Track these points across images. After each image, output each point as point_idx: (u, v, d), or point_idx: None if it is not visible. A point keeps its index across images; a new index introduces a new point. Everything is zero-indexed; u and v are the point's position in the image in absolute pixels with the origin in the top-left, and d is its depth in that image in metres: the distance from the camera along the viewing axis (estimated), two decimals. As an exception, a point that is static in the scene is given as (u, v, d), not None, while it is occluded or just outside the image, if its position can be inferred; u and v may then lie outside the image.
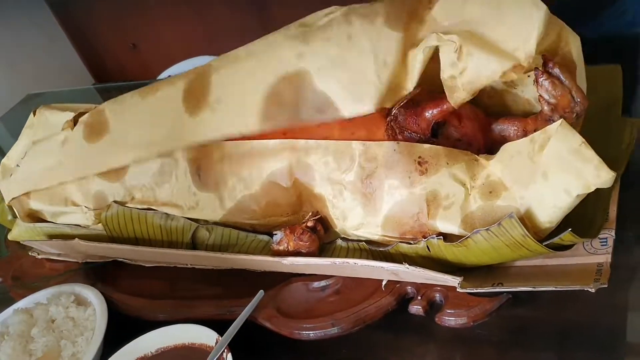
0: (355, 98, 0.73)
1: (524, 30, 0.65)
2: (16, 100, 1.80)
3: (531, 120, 0.71)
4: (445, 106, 0.70)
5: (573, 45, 0.70)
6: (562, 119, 0.60)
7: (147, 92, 0.88)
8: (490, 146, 0.73)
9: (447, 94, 0.69)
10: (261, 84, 0.77)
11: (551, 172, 0.61)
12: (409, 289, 0.73)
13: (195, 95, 0.82)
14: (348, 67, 0.73)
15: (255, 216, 0.81)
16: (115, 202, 0.89)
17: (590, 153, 0.58)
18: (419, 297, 0.72)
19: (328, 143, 0.74)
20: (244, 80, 0.79)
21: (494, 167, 0.67)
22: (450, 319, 0.69)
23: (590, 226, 0.67)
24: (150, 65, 2.40)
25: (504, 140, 0.73)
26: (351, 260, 0.71)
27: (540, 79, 0.66)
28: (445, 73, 0.69)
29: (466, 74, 0.67)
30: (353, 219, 0.75)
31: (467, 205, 0.68)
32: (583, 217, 0.66)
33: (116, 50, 2.49)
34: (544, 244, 0.63)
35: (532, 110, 0.76)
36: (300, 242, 0.76)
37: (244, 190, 0.80)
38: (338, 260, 0.72)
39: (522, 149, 0.65)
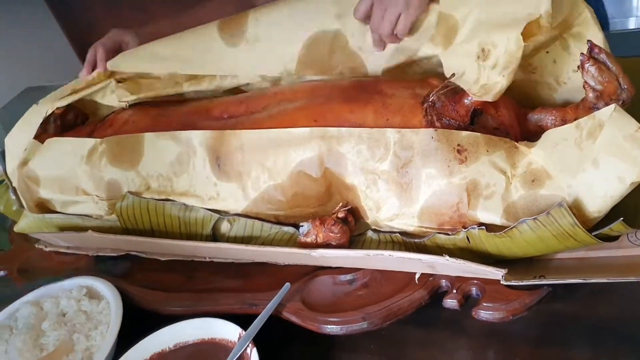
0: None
1: None
2: (15, 93, 1.77)
3: (571, 109, 0.69)
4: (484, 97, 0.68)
5: (587, 16, 0.70)
6: (615, 104, 0.58)
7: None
8: (526, 136, 0.71)
9: (485, 97, 0.68)
10: (301, 32, 0.84)
11: (603, 159, 0.59)
12: (443, 282, 0.71)
13: (231, 27, 0.89)
14: None
15: (281, 207, 0.79)
16: (130, 192, 0.86)
17: None
18: (455, 291, 0.69)
19: (361, 131, 0.72)
20: (284, 26, 0.85)
21: (535, 154, 0.65)
22: (488, 313, 0.66)
23: (635, 217, 0.65)
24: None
25: (540, 130, 0.71)
26: (386, 252, 0.68)
27: (587, 65, 0.64)
28: (473, 89, 0.69)
29: (499, 65, 0.66)
30: (387, 209, 0.72)
31: (508, 194, 0.65)
32: (626, 207, 0.64)
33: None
34: (593, 234, 0.60)
35: (552, 94, 0.76)
36: (331, 234, 0.73)
37: (269, 181, 0.77)
38: (372, 252, 0.69)
39: (568, 135, 0.63)
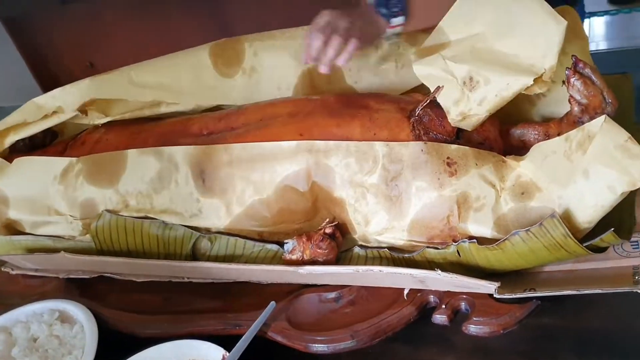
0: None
1: (542, 43, 0.65)
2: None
3: (554, 124, 0.70)
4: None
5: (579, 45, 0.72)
6: (605, 115, 0.59)
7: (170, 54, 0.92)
8: (509, 151, 0.72)
9: (462, 125, 0.69)
10: (299, 64, 0.86)
11: (593, 169, 0.60)
12: (432, 297, 0.70)
13: (224, 57, 0.89)
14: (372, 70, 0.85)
15: (265, 223, 0.77)
16: (107, 210, 0.83)
17: (637, 149, 0.57)
18: (444, 306, 0.69)
19: (349, 144, 0.71)
20: (282, 57, 0.87)
21: (524, 167, 0.66)
22: (478, 327, 0.66)
23: (620, 228, 0.65)
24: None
25: (523, 145, 0.71)
26: (376, 268, 0.68)
27: (572, 79, 0.65)
28: (452, 113, 0.70)
29: (487, 104, 0.68)
30: (377, 223, 0.71)
31: (498, 207, 0.65)
32: (611, 219, 0.65)
33: (73, 69, 2.41)
34: (584, 245, 0.61)
35: (531, 108, 0.77)
36: (319, 250, 0.72)
37: (255, 195, 0.76)
38: (362, 268, 0.68)
39: (557, 148, 0.63)
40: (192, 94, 0.89)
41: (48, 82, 2.43)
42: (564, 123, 0.68)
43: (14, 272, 0.93)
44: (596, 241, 0.61)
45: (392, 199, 0.70)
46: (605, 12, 2.96)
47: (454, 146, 0.68)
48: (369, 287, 0.74)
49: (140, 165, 0.82)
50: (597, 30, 2.48)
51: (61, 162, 0.87)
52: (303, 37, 0.83)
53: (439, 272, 0.64)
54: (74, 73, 2.44)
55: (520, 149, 0.71)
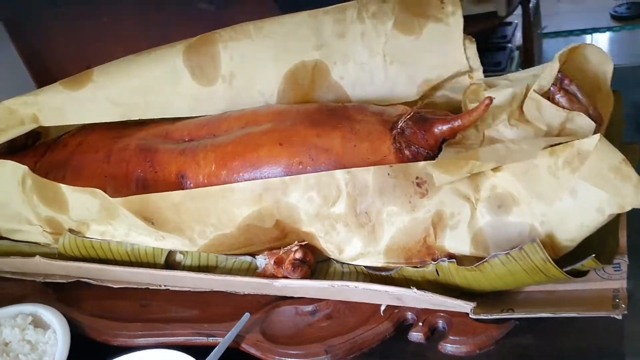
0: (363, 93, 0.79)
1: None
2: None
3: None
4: (456, 123, 0.67)
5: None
6: (599, 134, 0.57)
7: (139, 54, 0.86)
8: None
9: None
10: (280, 65, 0.81)
11: (582, 189, 0.58)
12: (409, 314, 0.68)
13: (201, 65, 0.83)
14: (359, 64, 0.79)
15: (234, 247, 0.75)
16: (70, 230, 0.82)
17: (629, 171, 0.56)
18: (420, 324, 0.67)
19: (307, 177, 0.68)
20: (260, 60, 0.82)
21: (501, 178, 0.63)
22: (454, 347, 0.64)
23: (600, 252, 0.64)
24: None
25: None
26: (351, 284, 0.66)
27: (557, 96, 0.64)
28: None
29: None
30: (351, 250, 0.69)
31: (474, 221, 0.64)
32: (591, 241, 0.63)
33: (71, 71, 2.40)
34: (564, 270, 0.59)
35: None
36: (289, 276, 0.70)
37: (216, 232, 0.73)
38: (337, 283, 0.67)
39: (539, 162, 0.61)
40: (173, 108, 0.85)
41: (46, 82, 2.43)
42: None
43: (-11, 276, 0.92)
44: (576, 266, 0.59)
45: (364, 226, 0.68)
46: (608, 29, 2.96)
47: (421, 164, 0.65)
48: (346, 302, 0.72)
49: (80, 201, 0.79)
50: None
51: (20, 168, 0.83)
52: (281, 35, 0.81)
53: (415, 290, 0.63)
54: (71, 74, 2.43)
55: None
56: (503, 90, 0.71)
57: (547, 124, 0.67)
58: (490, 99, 0.64)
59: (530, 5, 2.30)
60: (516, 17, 2.43)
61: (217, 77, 0.83)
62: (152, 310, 0.80)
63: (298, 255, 0.70)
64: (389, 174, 0.66)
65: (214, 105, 0.83)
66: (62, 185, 0.78)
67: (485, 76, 0.79)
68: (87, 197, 0.77)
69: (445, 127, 0.68)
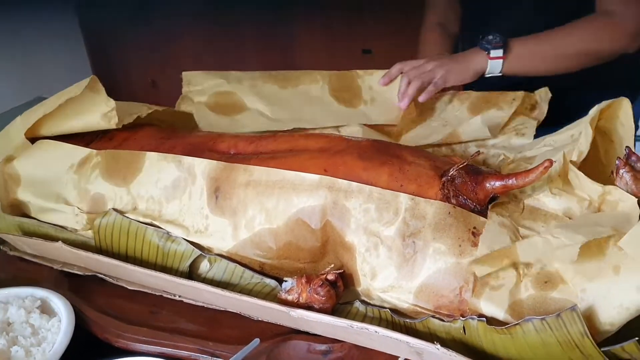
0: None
1: None
2: (22, 101, 1.73)
3: (595, 216, 0.65)
4: (510, 181, 0.64)
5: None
6: None
7: (281, 87, 1.08)
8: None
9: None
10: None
11: (625, 266, 0.54)
12: (426, 373, 0.64)
13: (344, 93, 1.07)
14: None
15: (269, 255, 0.73)
16: (114, 209, 0.81)
17: None
18: (437, 385, 0.62)
19: (372, 189, 0.67)
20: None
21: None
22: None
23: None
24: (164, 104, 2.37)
25: None
26: (372, 327, 0.62)
27: (622, 171, 0.60)
28: None
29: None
30: (384, 279, 0.66)
31: (517, 291, 0.60)
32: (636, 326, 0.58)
33: (136, 82, 2.46)
34: (602, 349, 0.54)
35: None
36: (316, 295, 0.67)
37: (265, 223, 0.72)
38: (356, 324, 0.63)
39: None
40: (319, 120, 1.02)
41: (109, 90, 2.48)
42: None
43: (11, 253, 0.91)
44: (616, 348, 0.55)
45: (406, 256, 0.65)
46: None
47: (482, 219, 0.63)
48: (361, 349, 0.68)
49: (158, 170, 0.80)
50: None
51: (81, 151, 0.86)
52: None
53: (438, 346, 0.58)
54: (135, 88, 2.49)
55: None
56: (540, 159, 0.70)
57: (589, 194, 0.65)
58: (551, 161, 0.61)
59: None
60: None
61: (360, 102, 1.06)
62: (160, 318, 0.77)
63: (330, 277, 0.68)
64: (449, 213, 0.64)
65: (364, 118, 1.03)
66: (150, 153, 0.81)
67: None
68: (171, 166, 0.79)
69: (497, 184, 0.65)
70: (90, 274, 0.83)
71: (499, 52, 1.02)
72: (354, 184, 0.68)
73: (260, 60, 2.23)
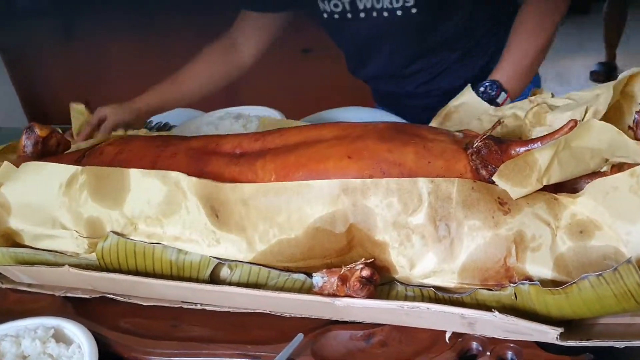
0: None
1: None
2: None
3: (612, 171, 0.67)
4: (535, 145, 0.65)
5: None
6: None
7: None
8: (551, 190, 0.68)
9: None
10: None
11: None
12: (474, 344, 0.65)
13: None
14: None
15: (293, 259, 0.71)
16: (114, 232, 0.76)
17: None
18: (488, 353, 0.64)
19: (388, 182, 0.66)
20: None
21: (582, 205, 0.63)
22: (527, 379, 0.61)
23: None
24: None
25: (568, 187, 0.68)
26: (423, 305, 0.62)
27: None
28: None
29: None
30: (424, 266, 0.66)
31: (555, 246, 0.62)
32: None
33: (67, 104, 2.36)
34: None
35: None
36: (355, 296, 0.65)
37: (280, 235, 0.70)
38: (407, 304, 0.63)
39: (619, 184, 0.61)
40: None
41: (36, 113, 2.37)
42: (625, 168, 0.65)
43: (3, 286, 0.86)
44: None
45: (442, 240, 0.65)
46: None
47: (500, 188, 0.65)
48: (401, 329, 0.68)
49: (145, 189, 0.75)
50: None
51: (67, 169, 0.80)
52: None
53: (496, 313, 0.59)
54: (67, 110, 2.39)
55: (568, 190, 0.68)
56: (562, 115, 0.71)
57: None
58: (575, 121, 0.63)
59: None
60: None
61: None
62: (184, 329, 0.75)
63: (365, 273, 0.65)
64: (472, 188, 0.64)
65: None
66: (133, 170, 0.75)
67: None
68: (156, 183, 0.74)
69: (522, 149, 0.66)
70: (97, 295, 0.80)
71: (502, 96, 1.01)
72: (368, 180, 0.66)
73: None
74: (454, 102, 0.93)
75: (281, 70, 2.08)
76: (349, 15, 1.18)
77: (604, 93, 0.70)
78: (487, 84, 1.01)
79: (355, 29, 1.20)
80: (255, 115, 1.19)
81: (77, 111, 1.18)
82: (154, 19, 2.22)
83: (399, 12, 1.13)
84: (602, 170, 0.67)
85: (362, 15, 1.17)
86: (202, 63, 1.27)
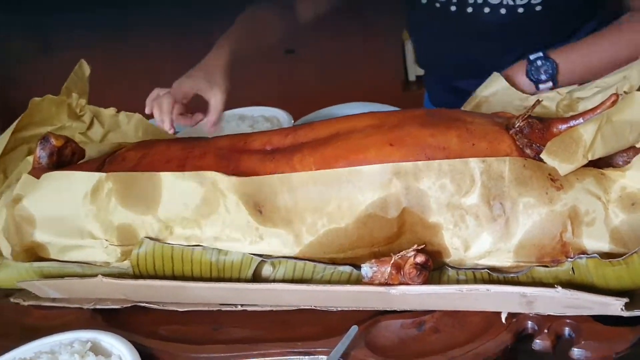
0: None
1: None
2: None
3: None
4: (576, 122, 0.66)
5: None
6: None
7: None
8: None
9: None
10: None
11: None
12: (529, 323, 0.65)
13: None
14: None
15: (341, 249, 0.70)
16: (148, 237, 0.74)
17: None
18: (546, 331, 0.64)
19: (440, 163, 0.66)
20: None
21: (630, 178, 0.64)
22: (588, 352, 0.61)
23: None
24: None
25: (607, 161, 0.68)
26: (482, 287, 0.62)
27: None
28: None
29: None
30: (479, 247, 0.66)
31: (609, 220, 0.62)
32: None
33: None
34: None
35: None
36: (411, 283, 0.65)
37: (330, 224, 0.69)
38: (465, 287, 0.63)
39: None
40: None
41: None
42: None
43: (25, 304, 0.83)
44: None
45: (496, 219, 0.65)
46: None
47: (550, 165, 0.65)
48: (452, 314, 0.68)
49: (180, 191, 0.73)
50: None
51: (90, 177, 0.78)
52: None
53: (559, 288, 0.59)
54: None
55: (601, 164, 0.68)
56: (592, 99, 0.72)
57: None
58: (617, 95, 0.64)
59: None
60: None
61: None
62: (226, 332, 0.74)
63: (419, 259, 0.65)
64: (524, 166, 0.64)
65: None
66: (164, 174, 0.73)
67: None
68: (192, 185, 0.72)
69: (564, 127, 0.67)
70: (129, 305, 0.78)
71: (548, 85, 0.93)
72: (420, 162, 0.66)
73: (176, 70, 2.16)
74: (484, 92, 0.92)
75: (264, 71, 2.06)
76: (453, 9, 1.08)
77: (635, 67, 0.71)
78: (546, 63, 0.92)
79: (454, 25, 1.09)
80: (261, 116, 1.18)
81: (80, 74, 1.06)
82: (132, 26, 2.18)
83: (520, 10, 1.03)
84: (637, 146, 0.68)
85: (469, 10, 1.07)
86: (268, 14, 1.16)
